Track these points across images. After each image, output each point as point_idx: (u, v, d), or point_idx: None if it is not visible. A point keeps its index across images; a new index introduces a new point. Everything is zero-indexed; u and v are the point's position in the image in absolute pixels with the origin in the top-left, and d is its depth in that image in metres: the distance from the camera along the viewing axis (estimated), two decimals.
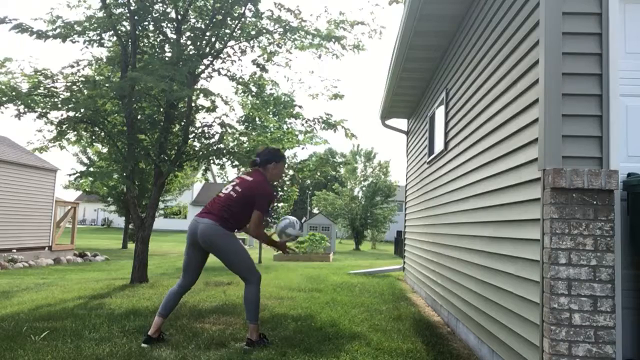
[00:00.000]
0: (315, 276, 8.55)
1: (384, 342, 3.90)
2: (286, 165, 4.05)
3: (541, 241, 2.54)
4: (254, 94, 8.66)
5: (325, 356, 3.46)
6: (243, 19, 7.53)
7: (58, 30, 7.16)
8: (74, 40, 7.34)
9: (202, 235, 3.58)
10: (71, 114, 7.12)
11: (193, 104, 7.76)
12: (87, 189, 22.49)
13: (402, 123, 9.40)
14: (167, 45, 7.81)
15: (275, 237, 4.01)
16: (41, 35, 7.00)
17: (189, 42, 7.68)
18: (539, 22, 2.68)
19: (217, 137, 8.01)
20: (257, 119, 9.26)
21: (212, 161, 8.07)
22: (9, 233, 13.46)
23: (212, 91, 7.59)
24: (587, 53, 2.60)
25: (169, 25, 7.74)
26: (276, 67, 11.25)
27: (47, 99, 7.04)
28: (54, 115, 7.31)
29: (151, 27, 7.74)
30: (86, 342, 3.70)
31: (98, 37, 7.52)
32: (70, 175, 7.78)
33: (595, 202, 2.43)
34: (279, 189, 17.12)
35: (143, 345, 3.61)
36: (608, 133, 2.54)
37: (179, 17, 7.60)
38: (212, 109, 8.20)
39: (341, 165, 11.08)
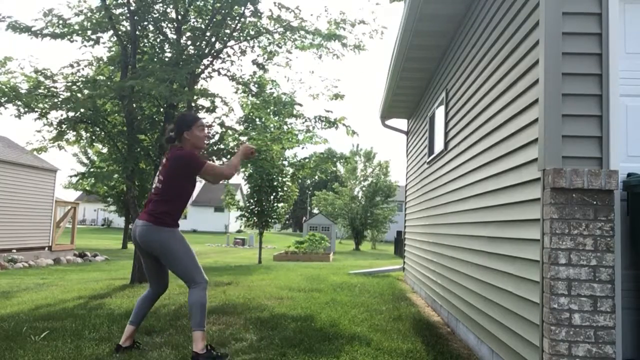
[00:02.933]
0: (315, 276, 8.55)
1: (384, 342, 3.90)
2: (203, 126, 3.59)
3: (541, 241, 2.54)
4: (254, 93, 8.66)
5: (325, 356, 3.45)
6: (243, 19, 7.53)
7: (55, 29, 7.15)
8: (72, 40, 7.33)
9: (140, 238, 3.27)
10: (71, 114, 7.12)
11: (193, 104, 7.76)
12: (87, 188, 22.50)
13: (402, 123, 9.40)
14: (167, 46, 7.81)
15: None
16: (37, 34, 7.00)
17: (189, 42, 7.68)
18: (539, 22, 2.68)
19: (217, 137, 8.01)
20: (257, 119, 9.26)
21: (212, 161, 8.07)
22: (9, 233, 13.46)
23: (212, 92, 7.60)
24: (587, 53, 2.60)
25: (169, 25, 7.74)
26: (276, 67, 11.22)
27: (47, 99, 7.04)
28: (54, 115, 7.32)
29: (151, 27, 7.75)
30: (86, 342, 3.70)
31: (97, 37, 7.51)
32: (71, 176, 7.79)
33: (595, 202, 2.43)
34: (279, 189, 17.12)
35: (115, 354, 3.35)
36: (608, 133, 2.54)
37: (179, 17, 7.59)
38: (212, 109, 8.20)
39: (341, 161, 11.04)
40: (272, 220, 17.64)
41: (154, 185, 3.42)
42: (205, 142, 3.65)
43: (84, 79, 7.14)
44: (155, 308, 5.10)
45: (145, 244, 3.27)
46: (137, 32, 7.46)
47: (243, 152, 3.59)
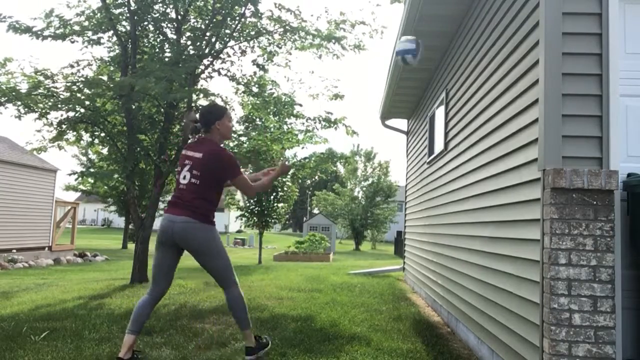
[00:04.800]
0: (315, 276, 8.55)
1: (384, 342, 3.90)
2: (231, 117, 3.51)
3: (541, 241, 2.54)
4: (254, 93, 8.66)
5: (325, 356, 3.45)
6: (243, 19, 7.54)
7: (55, 30, 7.16)
8: (72, 40, 7.34)
9: (182, 234, 3.14)
10: (71, 114, 7.13)
11: (193, 104, 7.76)
12: (86, 188, 22.51)
13: (402, 123, 9.40)
14: (167, 46, 7.82)
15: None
16: (38, 35, 7.00)
17: (189, 43, 7.68)
18: (539, 22, 2.68)
19: None
20: (257, 119, 9.26)
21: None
22: (9, 233, 13.47)
23: (212, 91, 7.60)
24: (587, 53, 2.60)
25: (169, 25, 7.74)
26: (276, 68, 11.22)
27: (47, 99, 7.04)
28: (54, 115, 7.32)
29: (151, 27, 7.75)
30: (86, 342, 3.70)
31: (97, 38, 7.51)
32: (70, 175, 7.78)
33: (595, 203, 2.43)
34: (279, 189, 17.13)
35: None
36: (608, 133, 2.54)
37: (179, 17, 7.60)
38: None
39: (341, 161, 11.03)
40: (272, 221, 17.65)
41: (185, 180, 3.22)
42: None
43: (83, 79, 7.14)
44: (155, 308, 5.10)
45: (185, 241, 3.16)
46: (137, 32, 7.46)
47: (280, 172, 3.55)
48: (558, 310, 2.39)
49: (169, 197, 26.26)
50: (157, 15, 7.50)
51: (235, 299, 3.31)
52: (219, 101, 8.13)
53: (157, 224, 6.25)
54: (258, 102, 8.78)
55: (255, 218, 17.34)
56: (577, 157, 2.55)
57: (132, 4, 7.18)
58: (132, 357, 3.17)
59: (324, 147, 11.06)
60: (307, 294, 6.31)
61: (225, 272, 3.30)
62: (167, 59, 7.32)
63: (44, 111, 7.10)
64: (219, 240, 3.29)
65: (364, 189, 34.13)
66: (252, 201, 17.23)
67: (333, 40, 7.75)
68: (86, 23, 7.32)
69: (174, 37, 7.67)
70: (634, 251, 2.58)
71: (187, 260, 4.63)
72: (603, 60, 2.59)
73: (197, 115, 3.40)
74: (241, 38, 7.80)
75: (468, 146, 4.26)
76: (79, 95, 6.93)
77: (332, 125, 8.40)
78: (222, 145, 3.37)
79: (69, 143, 8.25)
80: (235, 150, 8.10)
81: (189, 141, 3.48)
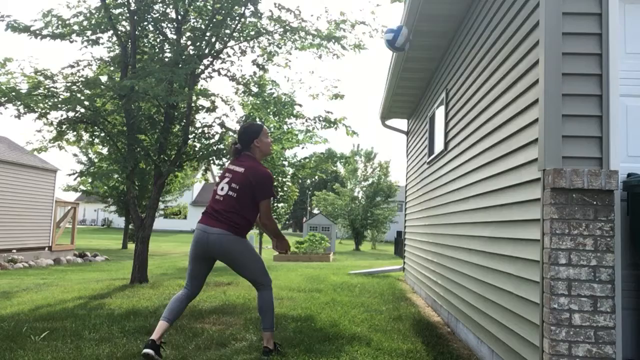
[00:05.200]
0: (315, 276, 8.55)
1: (384, 342, 3.90)
2: (269, 134, 3.68)
3: (541, 241, 2.54)
4: (254, 93, 8.66)
5: (325, 356, 3.45)
6: (243, 19, 7.53)
7: (55, 30, 7.15)
8: (71, 40, 7.33)
9: (217, 247, 3.28)
10: (71, 114, 7.12)
11: (193, 104, 7.76)
12: (86, 188, 22.49)
13: (402, 123, 9.40)
14: (167, 46, 7.81)
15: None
16: (37, 34, 6.99)
17: (188, 43, 7.68)
18: (539, 22, 2.68)
19: (217, 137, 8.01)
20: (257, 119, 9.26)
21: (212, 161, 8.07)
22: (9, 233, 13.46)
23: (212, 92, 7.58)
24: (587, 53, 2.60)
25: (168, 25, 7.74)
26: (276, 68, 11.23)
27: (47, 99, 7.04)
28: (54, 115, 7.31)
29: (151, 27, 7.74)
30: (86, 342, 3.70)
31: (96, 38, 7.51)
32: (69, 174, 7.78)
33: (595, 203, 2.43)
34: (278, 189, 17.12)
35: (147, 351, 3.10)
36: (608, 133, 2.54)
37: (179, 17, 7.60)
38: (212, 109, 8.20)
39: (341, 161, 11.06)
40: (276, 217, 17.66)
41: (222, 192, 3.35)
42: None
43: (83, 79, 7.14)
44: (155, 308, 5.11)
45: (221, 253, 3.31)
46: (137, 32, 7.46)
47: (282, 240, 3.60)
48: (558, 310, 2.39)
49: (169, 197, 26.21)
50: (157, 15, 7.50)
51: (267, 299, 3.49)
52: (219, 101, 8.14)
53: (157, 224, 6.23)
54: (258, 102, 8.78)
55: None
56: (577, 157, 2.54)
57: (132, 4, 7.18)
58: (159, 345, 3.23)
59: (324, 147, 11.07)
60: (307, 294, 6.31)
61: (262, 276, 3.50)
62: (167, 59, 7.31)
63: (44, 111, 7.09)
64: (252, 247, 3.46)
65: (364, 189, 34.13)
66: None
67: (333, 40, 7.75)
68: (85, 23, 7.31)
69: (174, 37, 7.67)
70: (634, 251, 2.58)
71: (187, 260, 4.62)
72: (603, 60, 2.59)
73: (236, 136, 3.60)
74: (241, 38, 7.80)
75: (468, 146, 4.26)
76: (78, 95, 6.93)
77: (331, 125, 8.40)
78: (262, 162, 3.56)
79: (69, 143, 8.25)
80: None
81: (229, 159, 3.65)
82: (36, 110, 7.01)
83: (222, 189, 3.37)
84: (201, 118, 8.50)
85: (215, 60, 7.84)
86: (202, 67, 7.67)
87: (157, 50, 7.90)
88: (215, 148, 7.87)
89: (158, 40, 7.96)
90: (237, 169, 3.38)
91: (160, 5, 7.48)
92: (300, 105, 8.78)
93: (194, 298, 3.49)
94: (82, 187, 22.70)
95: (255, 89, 8.63)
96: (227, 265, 3.45)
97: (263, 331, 3.47)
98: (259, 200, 3.34)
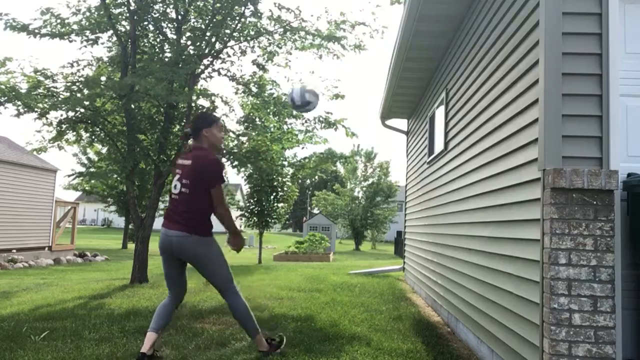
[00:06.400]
0: (315, 276, 8.55)
1: (384, 342, 3.90)
2: (222, 127, 3.48)
3: (541, 241, 2.54)
4: (254, 94, 8.66)
5: (325, 356, 3.45)
6: (243, 19, 7.53)
7: (53, 29, 7.14)
8: (70, 40, 7.32)
9: (179, 249, 3.16)
10: (71, 114, 7.12)
11: (193, 104, 7.76)
12: (87, 188, 22.51)
13: (402, 123, 9.40)
14: (167, 46, 7.81)
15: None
16: (35, 33, 6.98)
17: (189, 43, 7.68)
18: (539, 22, 2.68)
19: None
20: (257, 119, 9.26)
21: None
22: (9, 233, 13.46)
23: (211, 92, 7.58)
24: (587, 53, 2.60)
25: (168, 25, 7.74)
26: (276, 68, 11.23)
27: (47, 98, 7.04)
28: (54, 115, 7.31)
29: (151, 27, 7.74)
30: (86, 342, 3.70)
31: (95, 37, 7.50)
32: (68, 175, 7.78)
33: (595, 202, 2.42)
34: (279, 189, 17.13)
35: None
36: (608, 133, 2.54)
37: (179, 17, 7.59)
38: (212, 109, 8.20)
39: (341, 161, 11.10)
40: (272, 221, 17.65)
41: (176, 190, 3.23)
42: (223, 144, 3.51)
43: (83, 79, 7.14)
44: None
45: (185, 255, 3.19)
46: (137, 32, 7.46)
47: (238, 235, 3.37)
48: (558, 310, 2.39)
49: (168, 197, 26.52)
50: (157, 15, 7.49)
51: (237, 307, 3.29)
52: (219, 101, 8.13)
53: (157, 224, 6.25)
54: (258, 102, 8.78)
55: (255, 218, 17.34)
56: (577, 157, 2.54)
57: (132, 4, 7.17)
58: (153, 355, 3.19)
59: (324, 147, 11.08)
60: (307, 294, 6.31)
61: (223, 283, 3.28)
62: (167, 59, 7.31)
63: (43, 111, 7.09)
64: (216, 251, 3.25)
65: (364, 189, 34.14)
66: (252, 201, 17.23)
67: (333, 41, 7.75)
68: (84, 22, 7.30)
69: (174, 37, 7.67)
70: (634, 251, 2.58)
71: None
72: (603, 60, 2.59)
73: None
74: (241, 38, 7.80)
75: (468, 146, 4.26)
76: (78, 95, 6.93)
77: (331, 126, 8.40)
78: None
79: (69, 143, 8.25)
80: (235, 151, 8.09)
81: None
82: (36, 110, 7.01)
83: (175, 187, 3.24)
84: None
85: (215, 60, 7.85)
86: (202, 67, 7.66)
87: (157, 50, 7.90)
88: None
89: (158, 40, 7.95)
90: (185, 162, 3.25)
91: (160, 5, 7.48)
92: None
93: (180, 302, 3.39)
94: (82, 186, 22.73)
95: (255, 89, 8.63)
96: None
97: (252, 338, 3.39)
98: (210, 187, 3.16)
